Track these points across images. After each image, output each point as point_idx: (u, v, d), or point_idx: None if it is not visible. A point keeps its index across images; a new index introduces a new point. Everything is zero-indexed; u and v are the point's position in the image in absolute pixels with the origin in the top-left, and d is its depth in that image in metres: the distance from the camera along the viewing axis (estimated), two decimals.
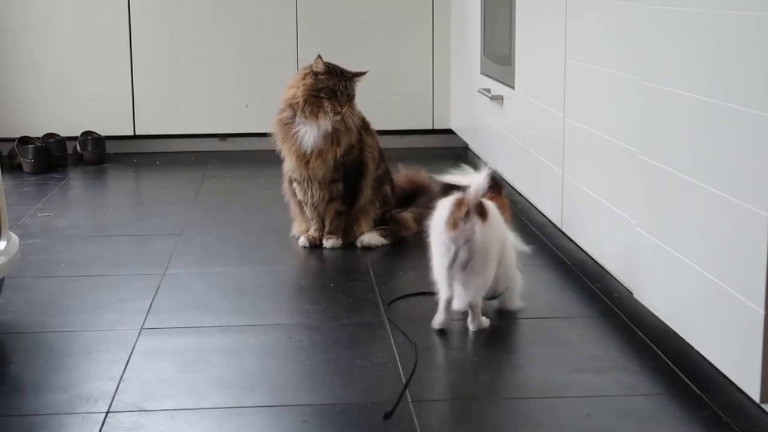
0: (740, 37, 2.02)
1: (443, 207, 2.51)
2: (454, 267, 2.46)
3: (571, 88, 3.16)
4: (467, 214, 2.44)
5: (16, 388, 2.22)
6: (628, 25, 2.63)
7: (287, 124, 3.33)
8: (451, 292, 2.50)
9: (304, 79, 3.31)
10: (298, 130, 3.30)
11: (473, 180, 2.48)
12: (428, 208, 3.52)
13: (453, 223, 2.45)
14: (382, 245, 3.37)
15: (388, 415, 2.03)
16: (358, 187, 3.39)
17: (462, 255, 2.45)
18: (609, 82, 2.81)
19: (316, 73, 3.30)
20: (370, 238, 3.37)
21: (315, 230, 3.39)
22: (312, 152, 3.30)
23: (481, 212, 2.46)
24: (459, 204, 2.46)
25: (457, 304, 2.52)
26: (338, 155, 3.31)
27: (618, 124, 2.75)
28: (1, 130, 5.04)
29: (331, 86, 3.28)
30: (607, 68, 2.83)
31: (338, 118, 3.28)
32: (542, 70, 3.48)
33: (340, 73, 3.31)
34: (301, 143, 3.30)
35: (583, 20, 3.05)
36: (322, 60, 3.31)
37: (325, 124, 3.28)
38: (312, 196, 3.36)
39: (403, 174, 3.68)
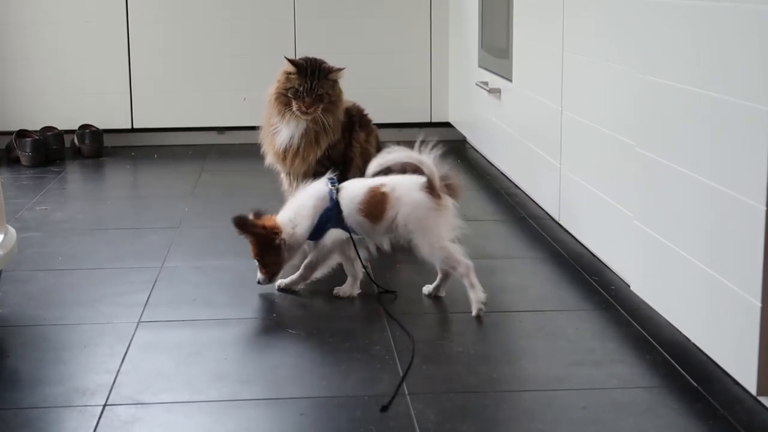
0: (737, 30, 2.01)
1: (414, 198, 2.65)
2: None
3: (568, 81, 3.16)
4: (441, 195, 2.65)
5: (12, 382, 2.22)
6: (626, 18, 2.63)
7: (268, 119, 3.34)
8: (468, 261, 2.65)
9: (280, 76, 3.31)
10: (275, 128, 3.31)
11: (418, 159, 2.64)
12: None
13: (438, 205, 2.63)
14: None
15: (385, 408, 2.04)
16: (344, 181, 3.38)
17: None
18: (606, 75, 2.81)
19: (287, 72, 3.28)
20: None
21: None
22: (287, 150, 3.29)
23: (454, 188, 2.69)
24: (431, 187, 2.63)
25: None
26: (318, 154, 3.29)
27: (615, 117, 2.75)
28: None
29: (296, 86, 3.23)
30: (604, 61, 2.83)
31: (308, 117, 3.23)
32: (540, 63, 3.48)
33: (310, 72, 3.24)
34: (274, 141, 3.31)
35: (581, 13, 3.04)
36: (288, 60, 3.26)
37: (295, 123, 3.26)
38: (297, 189, 3.37)
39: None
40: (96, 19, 5.03)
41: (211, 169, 4.62)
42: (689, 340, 2.30)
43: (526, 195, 3.79)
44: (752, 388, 2.01)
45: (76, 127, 4.98)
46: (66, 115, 5.03)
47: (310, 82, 3.23)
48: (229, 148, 5.11)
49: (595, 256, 3.00)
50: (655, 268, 2.47)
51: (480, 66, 4.41)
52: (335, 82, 3.28)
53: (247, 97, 5.05)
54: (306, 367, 2.28)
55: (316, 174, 3.33)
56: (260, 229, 2.71)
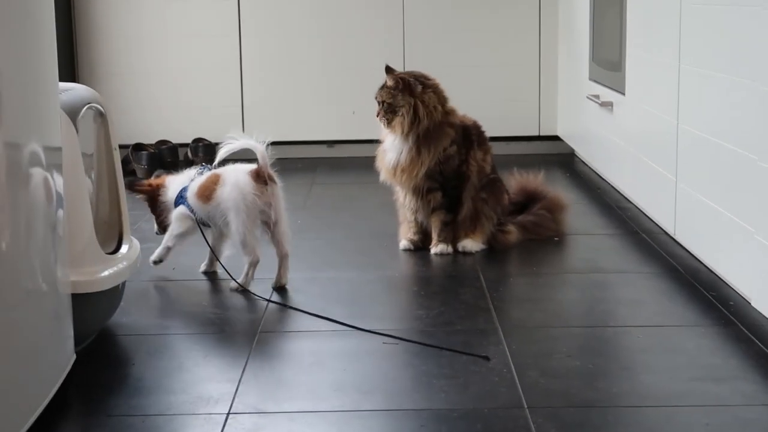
0: None
1: (238, 178, 2.90)
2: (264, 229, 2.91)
3: (685, 93, 3.12)
4: (267, 182, 2.89)
5: (139, 389, 2.28)
6: (746, 30, 2.59)
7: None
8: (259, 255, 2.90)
9: None
10: (384, 145, 3.40)
11: (253, 146, 2.91)
12: (540, 216, 3.52)
13: (260, 191, 2.88)
14: (481, 250, 3.36)
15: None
16: (459, 198, 3.39)
17: (272, 217, 2.90)
18: (725, 87, 2.77)
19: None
20: (471, 244, 3.36)
21: (413, 233, 3.42)
22: (396, 167, 3.33)
23: (274, 179, 2.92)
24: (258, 174, 2.89)
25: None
26: (424, 168, 3.30)
27: (735, 130, 2.70)
28: (116, 138, 5.16)
29: (377, 99, 3.35)
30: (723, 73, 2.79)
31: (391, 130, 3.31)
32: (654, 75, 3.45)
33: (384, 84, 3.35)
34: (384, 158, 3.38)
35: (698, 24, 3.01)
36: (391, 72, 3.35)
37: (394, 139, 3.32)
38: (410, 202, 3.40)
39: (515, 182, 3.65)
40: (209, 35, 5.13)
41: (321, 182, 4.67)
42: None
43: (639, 209, 3.75)
44: None
45: (190, 141, 5.08)
46: (180, 128, 5.14)
47: (381, 92, 3.34)
48: (338, 162, 5.16)
49: (712, 271, 2.96)
50: None
51: (591, 79, 4.38)
52: (395, 89, 3.30)
53: (356, 110, 5.10)
54: (424, 379, 2.30)
55: (429, 190, 3.34)
56: (146, 187, 3.13)
